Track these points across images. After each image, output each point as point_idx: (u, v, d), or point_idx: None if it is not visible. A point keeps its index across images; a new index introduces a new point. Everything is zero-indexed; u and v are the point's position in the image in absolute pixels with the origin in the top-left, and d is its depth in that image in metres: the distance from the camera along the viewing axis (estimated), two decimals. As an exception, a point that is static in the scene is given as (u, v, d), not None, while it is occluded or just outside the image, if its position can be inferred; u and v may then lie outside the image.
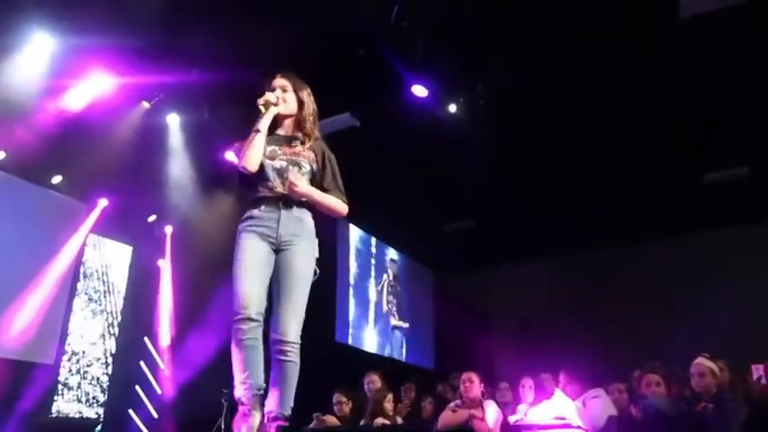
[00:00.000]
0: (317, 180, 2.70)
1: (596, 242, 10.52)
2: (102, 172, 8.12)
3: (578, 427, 3.88)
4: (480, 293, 11.62)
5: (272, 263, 2.54)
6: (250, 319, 2.38)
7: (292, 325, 2.45)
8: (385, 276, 11.65)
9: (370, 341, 10.60)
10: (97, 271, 9.37)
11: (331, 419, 4.72)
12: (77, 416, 8.39)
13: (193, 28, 6.09)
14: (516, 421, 4.22)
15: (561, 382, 4.62)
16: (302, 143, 2.73)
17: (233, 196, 8.52)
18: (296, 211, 2.60)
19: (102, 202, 9.01)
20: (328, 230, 9.88)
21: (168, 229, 9.88)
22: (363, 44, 6.35)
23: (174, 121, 8.05)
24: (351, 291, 10.41)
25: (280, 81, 2.80)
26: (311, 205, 2.66)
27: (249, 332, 2.37)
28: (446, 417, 4.07)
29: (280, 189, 2.59)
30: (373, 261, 11.34)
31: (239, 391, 2.32)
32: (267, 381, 2.52)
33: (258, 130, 2.61)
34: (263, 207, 2.56)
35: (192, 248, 9.03)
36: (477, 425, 3.95)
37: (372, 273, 11.23)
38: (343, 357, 9.17)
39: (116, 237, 9.56)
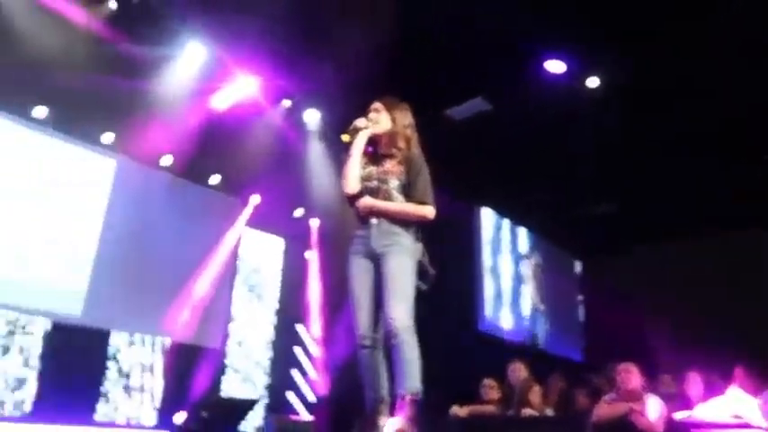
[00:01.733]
0: (406, 191, 2.83)
1: (758, 220, 9.30)
2: (253, 169, 8.76)
3: (759, 428, 3.43)
4: (635, 279, 10.80)
5: (374, 278, 2.74)
6: (366, 342, 2.66)
7: (398, 309, 2.57)
8: (525, 262, 11.29)
9: (510, 329, 10.35)
10: (254, 262, 10.14)
11: (463, 412, 4.65)
12: (242, 397, 9.17)
13: (328, 24, 6.31)
14: (685, 418, 3.83)
15: (737, 378, 4.12)
16: (394, 158, 2.86)
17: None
18: (385, 225, 2.75)
19: (255, 199, 9.72)
20: (464, 220, 9.90)
21: (314, 223, 10.39)
22: (490, 23, 6.13)
23: (313, 117, 8.40)
24: (489, 278, 10.23)
25: (374, 105, 2.99)
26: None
27: (368, 355, 2.66)
28: (602, 410, 3.80)
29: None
30: (511, 247, 11.03)
31: (367, 403, 2.61)
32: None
33: (350, 156, 2.82)
34: (362, 225, 2.80)
35: (337, 240, 9.42)
36: (637, 419, 3.65)
37: (512, 259, 10.93)
38: (484, 346, 9.04)
39: (269, 230, 10.24)
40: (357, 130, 2.84)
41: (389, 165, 2.84)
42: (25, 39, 6.10)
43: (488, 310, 9.98)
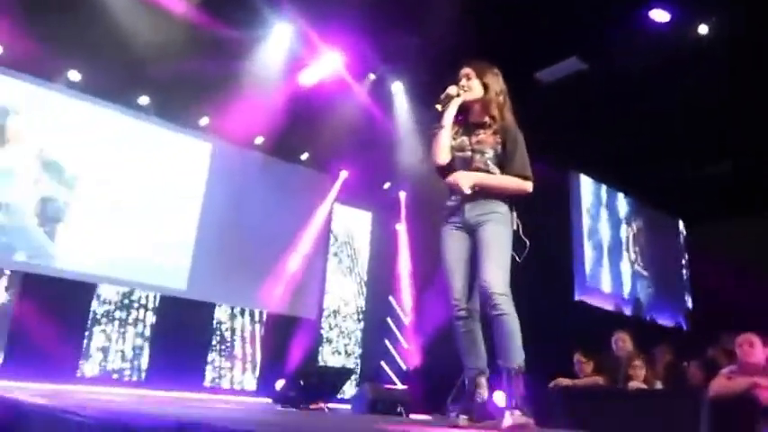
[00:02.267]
0: (501, 162, 2.69)
1: None
2: (341, 145, 8.84)
3: None
4: (747, 243, 9.96)
5: (469, 248, 2.65)
6: (461, 312, 2.59)
7: (495, 276, 2.50)
8: (625, 228, 10.73)
9: (610, 296, 9.92)
10: (344, 236, 10.32)
11: (566, 383, 4.48)
12: (337, 366, 9.44)
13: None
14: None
15: None
16: (488, 128, 2.72)
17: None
18: (480, 196, 2.64)
19: (343, 174, 9.84)
20: (560, 187, 9.50)
21: (402, 195, 10.38)
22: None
23: (398, 88, 8.31)
24: (588, 246, 9.81)
25: (464, 70, 2.80)
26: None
27: (464, 324, 2.59)
28: (720, 384, 3.51)
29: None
30: (609, 213, 10.49)
31: (465, 374, 2.55)
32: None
33: (442, 126, 2.69)
34: (453, 197, 2.69)
35: (425, 212, 9.36)
36: (762, 395, 3.35)
37: (610, 226, 10.42)
38: (583, 316, 8.72)
39: (357, 204, 10.36)
40: (450, 99, 2.69)
41: (483, 134, 2.70)
42: (127, 31, 6.41)
43: (587, 278, 9.61)
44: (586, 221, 9.90)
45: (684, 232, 11.70)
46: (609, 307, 9.77)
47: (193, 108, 8.20)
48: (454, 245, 2.66)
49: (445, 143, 2.67)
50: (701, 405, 3.37)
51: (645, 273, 10.65)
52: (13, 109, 7.21)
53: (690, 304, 11.30)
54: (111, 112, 7.88)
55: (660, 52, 6.62)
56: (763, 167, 8.86)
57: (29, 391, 4.10)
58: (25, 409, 2.40)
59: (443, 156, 2.66)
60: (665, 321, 10.57)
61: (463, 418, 2.45)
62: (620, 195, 10.78)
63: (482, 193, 2.64)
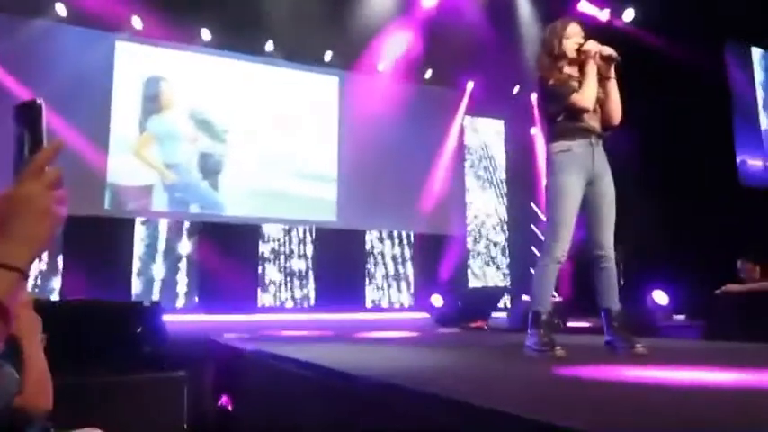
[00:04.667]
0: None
1: None
2: (465, 56, 8.62)
3: None
4: None
5: (585, 197, 2.77)
6: (560, 261, 2.70)
7: (611, 238, 2.77)
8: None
9: None
10: (479, 148, 10.25)
11: (737, 288, 4.19)
12: (487, 281, 9.70)
13: None
14: None
15: None
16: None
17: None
18: (602, 147, 2.80)
19: (470, 85, 9.62)
20: (712, 62, 8.51)
21: (533, 97, 9.95)
22: None
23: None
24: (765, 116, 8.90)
25: (579, 29, 2.86)
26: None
27: (555, 271, 2.72)
28: None
29: (593, 123, 2.77)
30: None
31: (542, 308, 2.69)
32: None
33: (609, 78, 2.81)
34: (578, 140, 2.74)
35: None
36: None
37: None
38: (750, 201, 7.98)
39: (488, 114, 10.16)
40: (614, 60, 2.79)
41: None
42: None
43: (756, 160, 8.77)
44: (760, 94, 8.93)
45: None
46: None
47: (317, 45, 8.40)
48: (577, 196, 2.74)
49: (595, 92, 2.76)
50: None
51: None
52: (162, 77, 7.92)
53: None
54: (243, 63, 8.35)
55: None
56: None
57: (230, 326, 4.84)
58: (248, 357, 2.88)
59: (592, 103, 2.74)
60: None
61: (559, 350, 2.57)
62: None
63: (601, 143, 2.82)
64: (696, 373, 2.05)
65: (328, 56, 8.63)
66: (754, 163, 8.80)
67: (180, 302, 7.68)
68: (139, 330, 3.00)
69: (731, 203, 7.69)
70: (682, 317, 6.94)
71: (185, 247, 7.89)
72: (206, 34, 7.92)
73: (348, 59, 8.54)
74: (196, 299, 7.74)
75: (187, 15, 7.40)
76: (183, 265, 7.80)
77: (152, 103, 7.82)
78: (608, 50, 2.76)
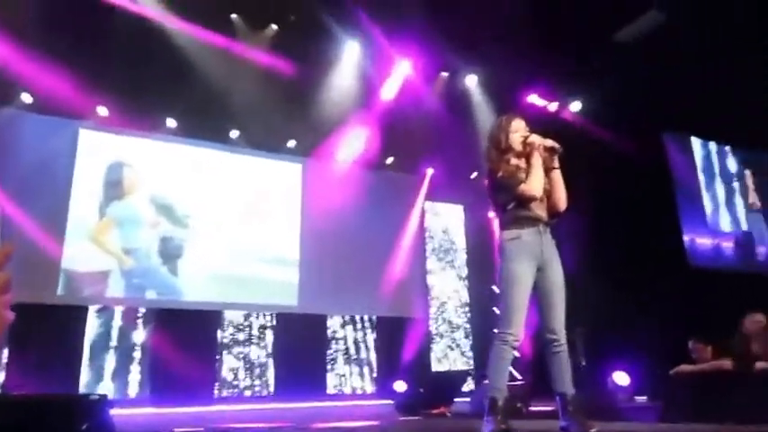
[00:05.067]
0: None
1: None
2: (424, 144, 8.99)
3: None
4: None
5: (535, 283, 2.85)
6: (514, 345, 2.77)
7: (563, 326, 2.84)
8: (736, 182, 10.06)
9: (730, 235, 9.46)
10: (439, 232, 10.46)
11: (690, 369, 4.29)
12: (450, 364, 9.63)
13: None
14: None
15: None
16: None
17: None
18: (549, 234, 2.92)
19: (429, 171, 9.97)
20: (653, 151, 9.10)
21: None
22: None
23: (472, 81, 8.31)
24: (707, 197, 9.53)
25: (522, 124, 3.05)
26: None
27: (511, 357, 2.78)
28: None
29: (540, 212, 2.90)
30: (714, 169, 9.92)
31: (498, 394, 2.72)
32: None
33: (554, 168, 2.96)
34: (527, 229, 2.85)
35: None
36: None
37: (722, 181, 9.85)
38: (699, 283, 8.28)
39: (448, 199, 10.46)
40: (556, 152, 2.96)
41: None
42: (209, 75, 6.92)
43: (709, 222, 9.26)
44: (702, 179, 9.60)
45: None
46: (728, 243, 9.30)
47: (280, 133, 8.66)
48: (528, 281, 2.82)
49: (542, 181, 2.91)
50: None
51: (760, 212, 10.06)
52: (126, 163, 7.97)
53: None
54: (208, 151, 8.50)
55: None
56: None
57: (184, 418, 4.62)
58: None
59: (541, 192, 2.89)
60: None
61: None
62: (729, 148, 10.20)
63: (550, 229, 2.93)
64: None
65: (292, 143, 8.88)
66: (702, 242, 9.21)
67: (132, 393, 7.35)
68: (84, 427, 2.86)
69: (682, 284, 7.97)
70: (643, 398, 6.96)
71: (140, 335, 7.65)
72: (171, 122, 8.09)
73: (311, 147, 8.79)
74: (149, 390, 7.42)
75: (153, 104, 7.58)
76: (136, 354, 7.53)
77: (114, 188, 7.82)
78: (550, 143, 2.94)
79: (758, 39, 7.02)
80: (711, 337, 4.71)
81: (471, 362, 9.86)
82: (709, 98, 8.04)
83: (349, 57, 7.53)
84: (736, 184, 10.10)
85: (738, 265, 9.44)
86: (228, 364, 8.13)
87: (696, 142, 9.91)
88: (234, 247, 8.29)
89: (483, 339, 9.83)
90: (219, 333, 8.17)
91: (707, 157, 10.01)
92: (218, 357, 8.06)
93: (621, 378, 7.37)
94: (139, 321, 7.71)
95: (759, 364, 3.99)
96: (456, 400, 6.25)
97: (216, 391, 7.90)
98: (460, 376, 7.38)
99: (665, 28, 7.09)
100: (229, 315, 8.32)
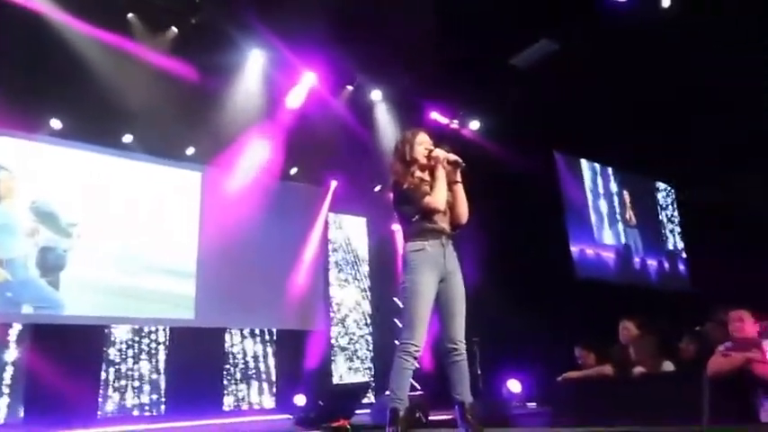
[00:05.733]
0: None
1: None
2: (328, 156, 8.98)
3: None
4: (744, 202, 10.07)
5: (438, 295, 2.91)
6: (415, 356, 2.81)
7: (463, 336, 2.90)
8: (616, 203, 10.97)
9: (611, 248, 10.32)
10: (342, 244, 10.45)
11: (575, 375, 4.61)
12: (351, 376, 9.61)
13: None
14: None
15: None
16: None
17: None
18: (452, 246, 2.98)
19: (333, 183, 9.96)
20: (545, 169, 9.70)
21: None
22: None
23: (377, 96, 8.42)
24: (594, 214, 10.35)
25: (426, 137, 3.11)
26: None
27: (412, 368, 2.81)
28: (717, 362, 3.63)
29: (443, 224, 2.97)
30: (598, 188, 10.78)
31: (399, 404, 2.75)
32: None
33: (457, 181, 3.03)
34: (430, 240, 2.90)
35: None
36: (758, 368, 3.48)
37: (599, 201, 10.71)
38: (585, 294, 8.87)
39: (351, 211, 10.49)
40: (458, 166, 3.02)
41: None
42: (101, 75, 6.51)
43: (595, 238, 10.18)
44: (589, 197, 10.46)
45: (673, 195, 12.04)
46: (610, 254, 10.22)
47: (178, 140, 8.29)
48: (431, 293, 2.88)
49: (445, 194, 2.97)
50: (701, 385, 3.53)
51: (635, 227, 11.07)
52: (2, 166, 7.28)
53: (687, 266, 11.53)
54: (97, 155, 7.96)
55: (629, 23, 6.76)
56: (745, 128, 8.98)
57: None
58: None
59: (444, 205, 2.95)
60: (665, 286, 10.78)
61: None
62: (611, 169, 11.12)
63: (452, 242, 2.99)
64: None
65: (191, 151, 8.53)
66: (590, 253, 9.94)
67: (0, 418, 6.67)
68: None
69: (570, 294, 8.51)
70: (534, 404, 7.32)
71: (12, 353, 6.97)
72: (56, 123, 7.50)
73: (211, 155, 8.46)
74: (22, 413, 6.76)
75: (35, 103, 7.00)
76: (7, 374, 6.85)
77: (-15, 193, 7.11)
78: (453, 157, 3.02)
79: (636, 73, 7.67)
80: (595, 344, 5.05)
81: (373, 374, 9.90)
82: (594, 123, 8.71)
83: (253, 64, 7.36)
84: (616, 203, 11.01)
85: (618, 275, 10.27)
86: (115, 382, 7.60)
87: (584, 163, 10.70)
88: (125, 257, 7.79)
89: (385, 351, 9.91)
90: (106, 350, 7.63)
91: (593, 177, 10.84)
92: (103, 375, 7.51)
93: (514, 386, 7.71)
94: (11, 339, 7.03)
95: (636, 369, 4.34)
96: (357, 412, 6.24)
97: (99, 412, 7.35)
98: (362, 388, 7.38)
99: (559, 54, 7.56)
100: (117, 330, 7.80)
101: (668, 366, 4.44)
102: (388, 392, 2.84)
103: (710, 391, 3.55)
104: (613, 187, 11.15)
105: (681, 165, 10.74)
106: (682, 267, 11.54)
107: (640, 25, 6.86)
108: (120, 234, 7.84)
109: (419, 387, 8.17)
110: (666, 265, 11.25)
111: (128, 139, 8.00)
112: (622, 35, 6.96)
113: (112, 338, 7.75)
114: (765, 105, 8.36)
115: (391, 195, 3.10)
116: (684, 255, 11.67)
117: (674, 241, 11.71)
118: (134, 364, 7.82)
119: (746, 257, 9.34)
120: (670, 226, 11.72)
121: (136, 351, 7.88)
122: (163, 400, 7.87)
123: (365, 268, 10.56)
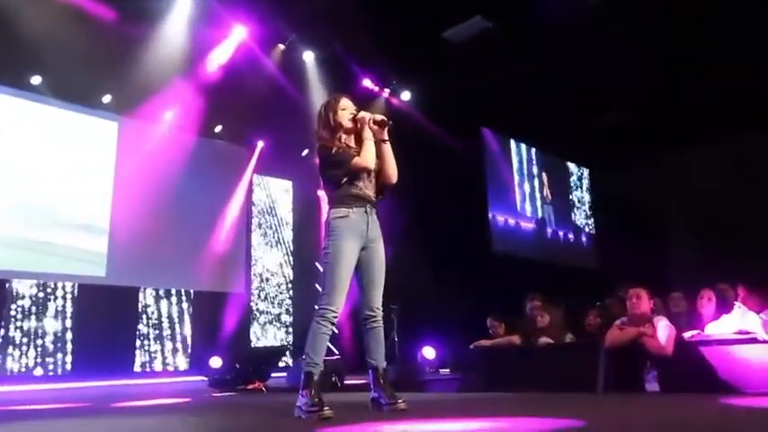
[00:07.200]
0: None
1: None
2: (255, 116, 8.73)
3: (764, 342, 3.56)
4: (646, 190, 10.78)
5: (358, 261, 2.94)
6: (333, 321, 2.84)
7: (380, 303, 2.97)
8: (536, 182, 11.43)
9: (527, 245, 10.73)
10: (266, 207, 10.28)
11: (486, 343, 4.85)
12: (270, 340, 9.59)
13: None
14: (693, 336, 3.97)
15: (740, 296, 4.22)
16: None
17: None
18: (375, 215, 3.00)
19: (260, 144, 9.73)
20: (472, 144, 9.92)
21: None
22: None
23: (309, 57, 8.24)
24: (518, 190, 10.94)
25: (349, 102, 3.08)
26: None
27: (331, 329, 2.85)
28: (613, 335, 3.93)
29: (369, 191, 2.98)
30: (523, 167, 11.20)
31: (314, 369, 2.78)
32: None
33: (386, 141, 3.03)
34: (354, 208, 2.92)
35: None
36: (648, 342, 3.78)
37: (523, 178, 11.13)
38: (501, 266, 9.23)
39: (277, 174, 10.31)
40: (386, 125, 3.00)
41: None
42: (13, 17, 5.98)
43: (518, 209, 10.83)
44: (515, 174, 11.03)
45: (588, 178, 12.69)
46: (529, 224, 10.95)
47: (93, 86, 7.78)
48: (352, 259, 2.89)
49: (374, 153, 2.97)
50: (597, 356, 3.79)
51: (551, 203, 11.79)
52: None
53: (596, 246, 12.25)
54: (1, 96, 7.35)
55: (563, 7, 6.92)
56: (657, 116, 9.52)
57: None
58: None
59: (374, 163, 2.96)
60: (574, 263, 11.41)
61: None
62: (533, 149, 11.54)
63: (376, 210, 3.02)
64: (446, 424, 2.26)
65: (107, 98, 8.04)
66: (511, 222, 10.35)
67: None
68: None
69: (486, 266, 8.84)
70: (447, 370, 7.60)
71: None
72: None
73: (130, 105, 8.00)
74: None
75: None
76: None
77: None
78: (379, 117, 3.02)
79: (562, 59, 7.90)
80: (506, 315, 5.30)
81: (291, 338, 9.92)
82: (522, 105, 8.95)
83: (179, 13, 6.97)
84: (536, 182, 11.48)
85: (533, 246, 10.82)
86: (15, 340, 7.21)
87: (513, 143, 11.06)
88: (30, 209, 7.32)
89: (305, 316, 9.93)
90: (7, 306, 7.20)
91: (519, 155, 11.24)
92: (2, 332, 7.10)
93: (429, 352, 7.97)
94: None
95: (542, 340, 4.60)
96: (273, 375, 6.25)
97: (-1, 370, 6.98)
98: (279, 352, 7.39)
99: (493, 33, 7.65)
100: (21, 285, 7.37)
101: (571, 338, 4.73)
102: (303, 356, 2.85)
103: (606, 362, 3.82)
104: (535, 168, 11.61)
105: (592, 151, 11.35)
106: (585, 239, 12.33)
107: (571, 12, 7.04)
108: (24, 184, 7.34)
109: (336, 352, 8.30)
110: (571, 236, 11.99)
111: (36, 80, 7.41)
112: (554, 21, 7.12)
113: (15, 294, 7.31)
114: (675, 101, 8.91)
115: (317, 161, 3.06)
116: (589, 230, 12.43)
117: (583, 219, 12.44)
118: (38, 321, 7.43)
119: (645, 240, 10.08)
120: (579, 205, 12.44)
121: (40, 308, 7.48)
122: (69, 359, 7.55)
123: (289, 233, 10.47)
